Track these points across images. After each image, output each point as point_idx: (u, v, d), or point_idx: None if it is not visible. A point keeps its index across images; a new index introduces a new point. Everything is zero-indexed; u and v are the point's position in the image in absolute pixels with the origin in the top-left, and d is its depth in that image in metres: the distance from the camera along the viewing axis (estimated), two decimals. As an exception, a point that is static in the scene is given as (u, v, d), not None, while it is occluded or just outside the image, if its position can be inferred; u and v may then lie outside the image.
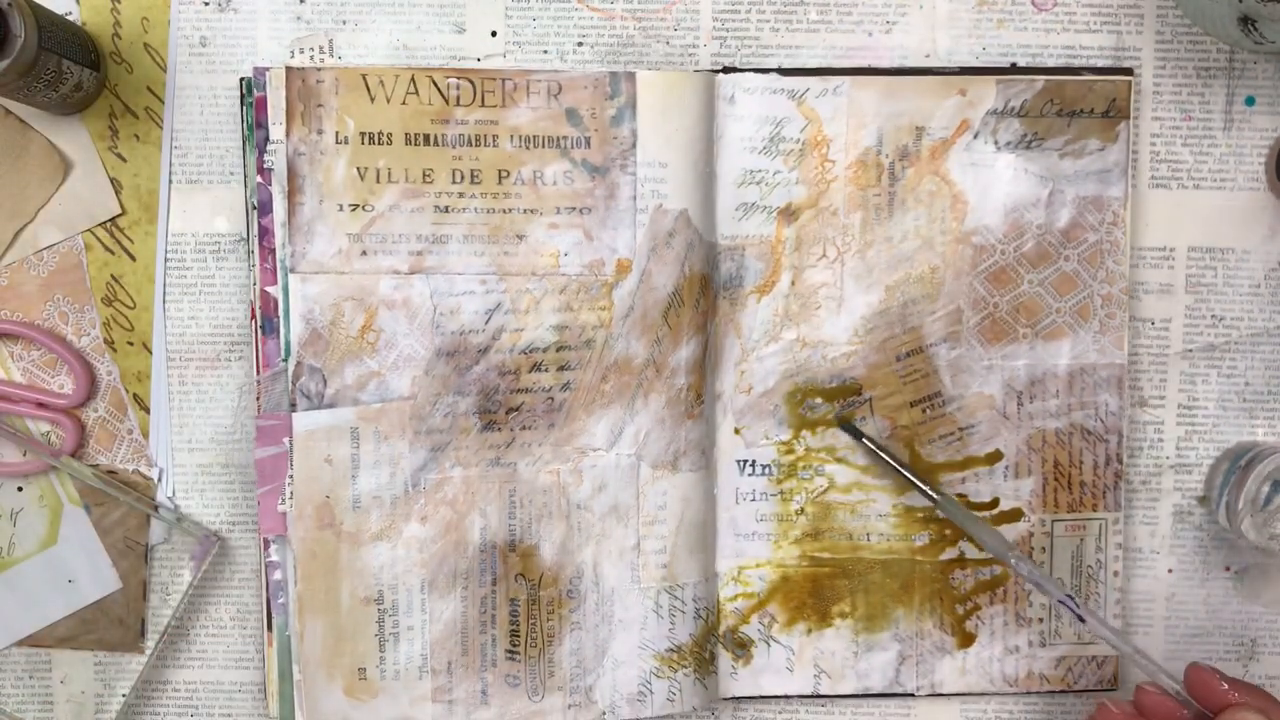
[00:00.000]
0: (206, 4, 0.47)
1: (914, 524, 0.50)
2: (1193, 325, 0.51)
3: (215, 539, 0.50)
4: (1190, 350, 0.51)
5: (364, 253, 0.45)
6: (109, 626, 0.50)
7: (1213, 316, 0.51)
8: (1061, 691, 0.51)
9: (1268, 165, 0.51)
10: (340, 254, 0.45)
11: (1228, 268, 0.51)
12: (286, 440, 0.46)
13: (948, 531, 0.50)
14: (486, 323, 0.46)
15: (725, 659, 0.50)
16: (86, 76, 0.46)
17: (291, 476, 0.46)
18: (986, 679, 0.50)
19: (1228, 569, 0.52)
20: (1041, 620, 0.50)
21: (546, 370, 0.47)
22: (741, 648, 0.50)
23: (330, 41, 0.48)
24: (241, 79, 0.47)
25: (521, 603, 0.47)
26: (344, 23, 0.48)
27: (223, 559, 0.50)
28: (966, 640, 0.50)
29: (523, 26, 0.49)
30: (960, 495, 0.50)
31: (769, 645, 0.50)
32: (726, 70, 0.48)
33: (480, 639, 0.47)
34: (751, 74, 0.48)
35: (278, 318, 0.46)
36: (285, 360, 0.46)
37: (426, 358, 0.46)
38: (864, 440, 0.49)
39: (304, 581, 0.46)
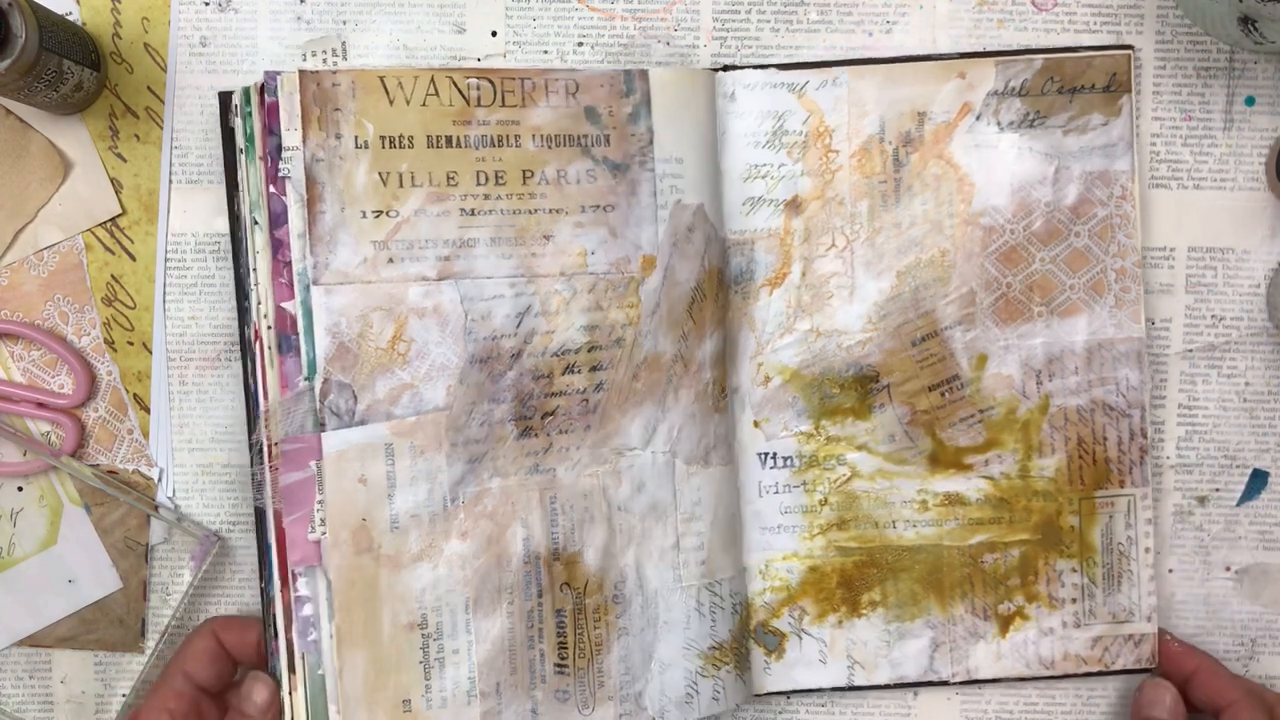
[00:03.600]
0: (206, 4, 0.55)
1: (941, 509, 0.60)
2: (1193, 325, 0.62)
3: (215, 539, 0.58)
4: (1190, 350, 0.63)
5: (390, 260, 0.53)
6: (109, 626, 0.58)
7: (1213, 316, 0.62)
8: (1099, 673, 0.62)
9: (1268, 165, 0.62)
10: (366, 263, 0.53)
11: (1228, 268, 0.62)
12: (314, 464, 0.53)
13: (975, 515, 0.61)
14: (518, 326, 0.54)
15: (758, 653, 0.59)
16: (87, 76, 0.53)
17: (321, 501, 0.53)
18: (1022, 663, 0.61)
19: (1228, 569, 0.63)
20: (1074, 601, 0.61)
21: (579, 371, 0.55)
22: (774, 641, 0.59)
23: (344, 44, 0.55)
24: (220, 94, 0.55)
25: (568, 613, 0.56)
26: (344, 23, 0.56)
27: (223, 559, 0.59)
28: (1001, 625, 0.61)
29: (523, 26, 0.58)
30: (986, 478, 0.60)
31: (800, 638, 0.60)
32: (726, 69, 0.58)
33: (529, 655, 0.55)
34: (751, 70, 0.58)
35: (297, 335, 0.53)
36: (310, 379, 0.52)
37: (460, 365, 0.54)
38: None
39: (341, 613, 0.53)
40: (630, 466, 0.56)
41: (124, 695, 0.59)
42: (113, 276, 0.57)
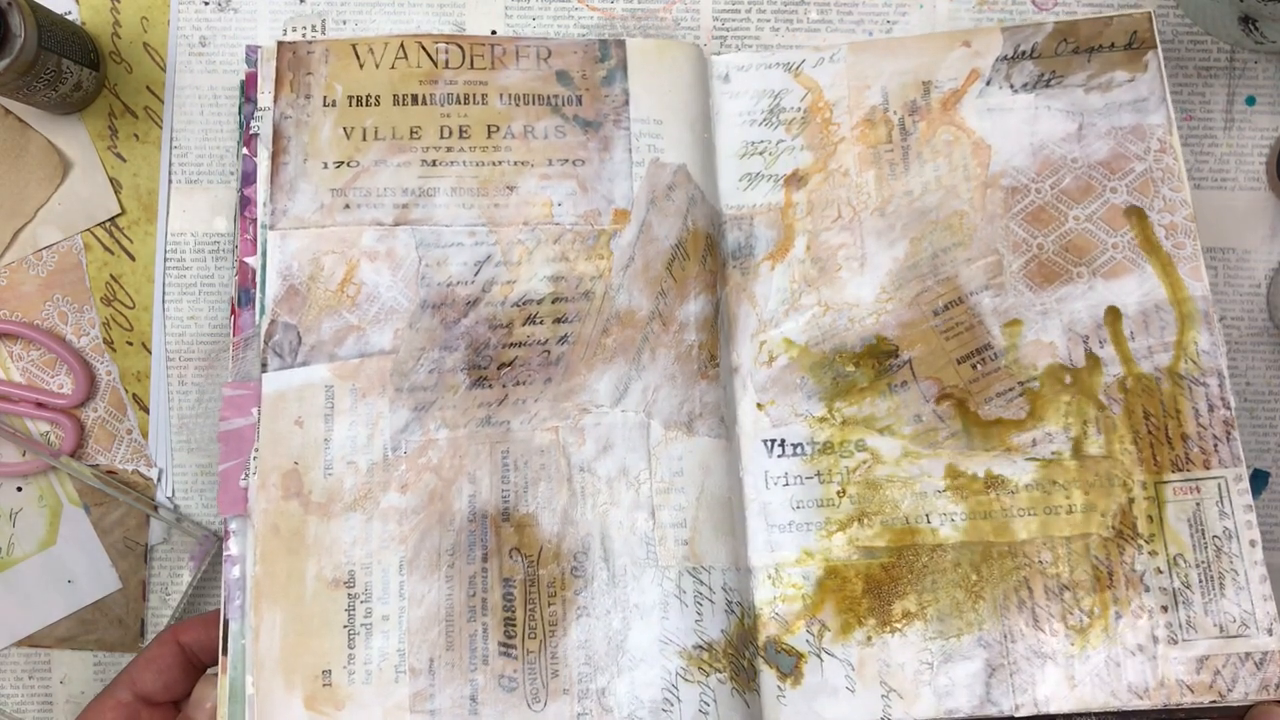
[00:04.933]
0: (206, 4, 0.59)
1: (981, 498, 0.51)
2: None
3: (215, 539, 0.57)
4: None
5: (347, 206, 0.53)
6: (109, 626, 0.58)
7: None
8: (1214, 708, 0.49)
9: (1268, 165, 0.60)
10: (322, 209, 0.53)
11: (1228, 268, 0.60)
12: (255, 411, 0.50)
13: (1024, 504, 0.51)
14: (476, 274, 0.52)
15: (769, 676, 0.50)
16: (86, 76, 0.56)
17: (258, 447, 0.50)
18: (1106, 691, 0.49)
19: None
20: (1165, 610, 0.50)
21: (542, 323, 0.52)
22: (789, 662, 0.50)
23: (323, 21, 0.58)
24: (242, 82, 0.57)
25: (517, 583, 0.49)
26: (344, 23, 0.59)
27: (222, 559, 0.55)
28: (1073, 641, 0.49)
29: (523, 26, 0.60)
30: (1034, 460, 0.51)
31: (821, 659, 0.50)
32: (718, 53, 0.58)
33: (469, 628, 0.48)
34: (744, 53, 0.57)
35: (254, 288, 0.52)
36: (260, 322, 0.51)
37: (410, 310, 0.52)
38: None
39: (263, 563, 0.49)
40: (597, 424, 0.51)
41: (123, 695, 0.58)
42: (112, 276, 0.59)
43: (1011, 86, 0.56)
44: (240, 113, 0.55)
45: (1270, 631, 0.49)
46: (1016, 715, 0.49)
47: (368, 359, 0.51)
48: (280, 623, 0.48)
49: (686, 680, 0.48)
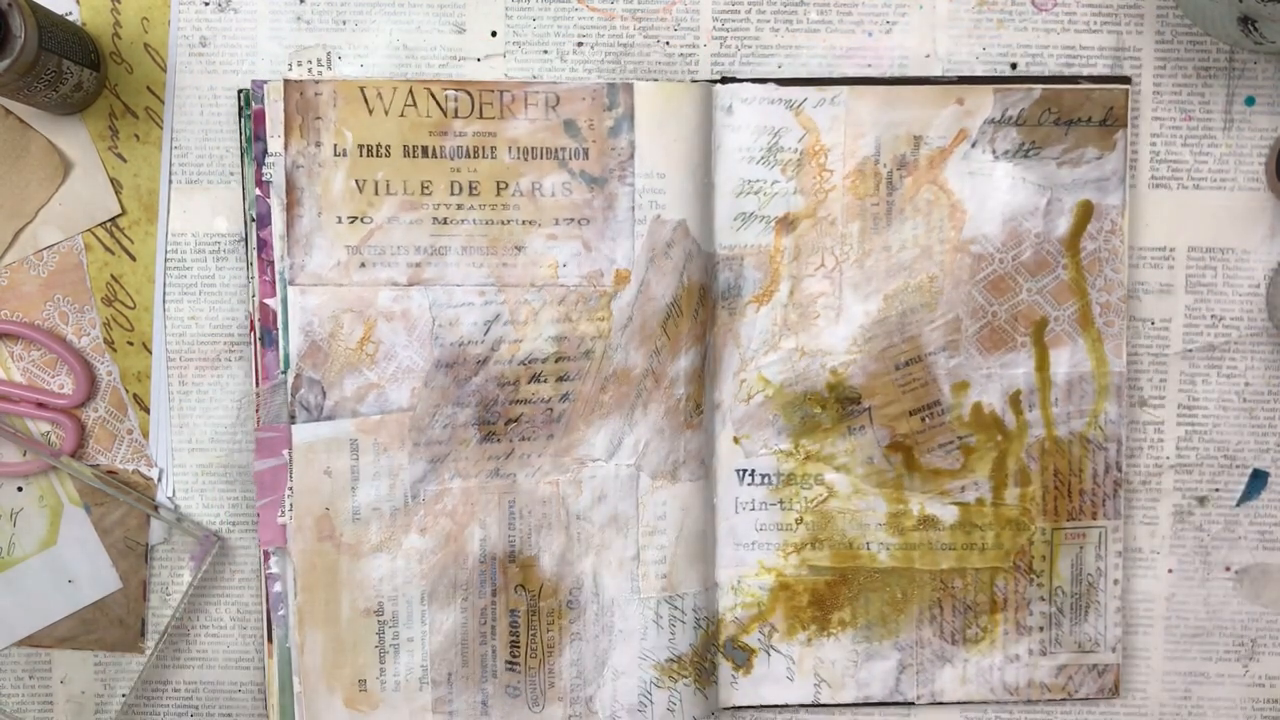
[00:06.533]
0: (206, 4, 0.57)
1: (914, 533, 0.60)
2: (1193, 325, 0.62)
3: (215, 539, 0.60)
4: (1190, 350, 0.62)
5: (363, 265, 0.55)
6: (109, 626, 0.60)
7: (1213, 316, 0.62)
8: (1062, 700, 0.61)
9: (1268, 165, 0.61)
10: (339, 266, 0.55)
11: (1228, 268, 0.62)
12: (286, 452, 0.56)
13: (947, 540, 0.60)
14: (485, 334, 0.56)
15: (725, 668, 0.61)
16: (86, 76, 0.55)
17: (291, 489, 0.56)
18: (987, 688, 0.61)
19: (1228, 569, 0.63)
20: (1042, 629, 0.61)
21: (545, 381, 0.57)
22: (742, 656, 0.61)
23: (329, 54, 0.57)
24: (240, 91, 0.56)
25: (521, 614, 0.58)
26: (344, 23, 0.58)
27: (223, 559, 0.61)
28: (968, 649, 0.61)
29: (523, 26, 0.59)
30: (959, 504, 0.60)
31: (769, 654, 0.61)
32: (724, 80, 0.58)
33: (480, 650, 0.58)
34: (749, 84, 0.58)
35: (277, 330, 0.56)
36: (284, 372, 0.55)
37: (425, 369, 0.56)
38: None
39: (304, 593, 0.56)
40: (592, 477, 0.58)
41: (124, 695, 0.60)
42: (113, 276, 0.59)
43: (994, 152, 0.59)
44: (245, 135, 0.55)
45: (1114, 650, 0.61)
46: (917, 702, 0.62)
47: (388, 415, 0.56)
48: (321, 642, 0.57)
49: (658, 687, 0.59)
